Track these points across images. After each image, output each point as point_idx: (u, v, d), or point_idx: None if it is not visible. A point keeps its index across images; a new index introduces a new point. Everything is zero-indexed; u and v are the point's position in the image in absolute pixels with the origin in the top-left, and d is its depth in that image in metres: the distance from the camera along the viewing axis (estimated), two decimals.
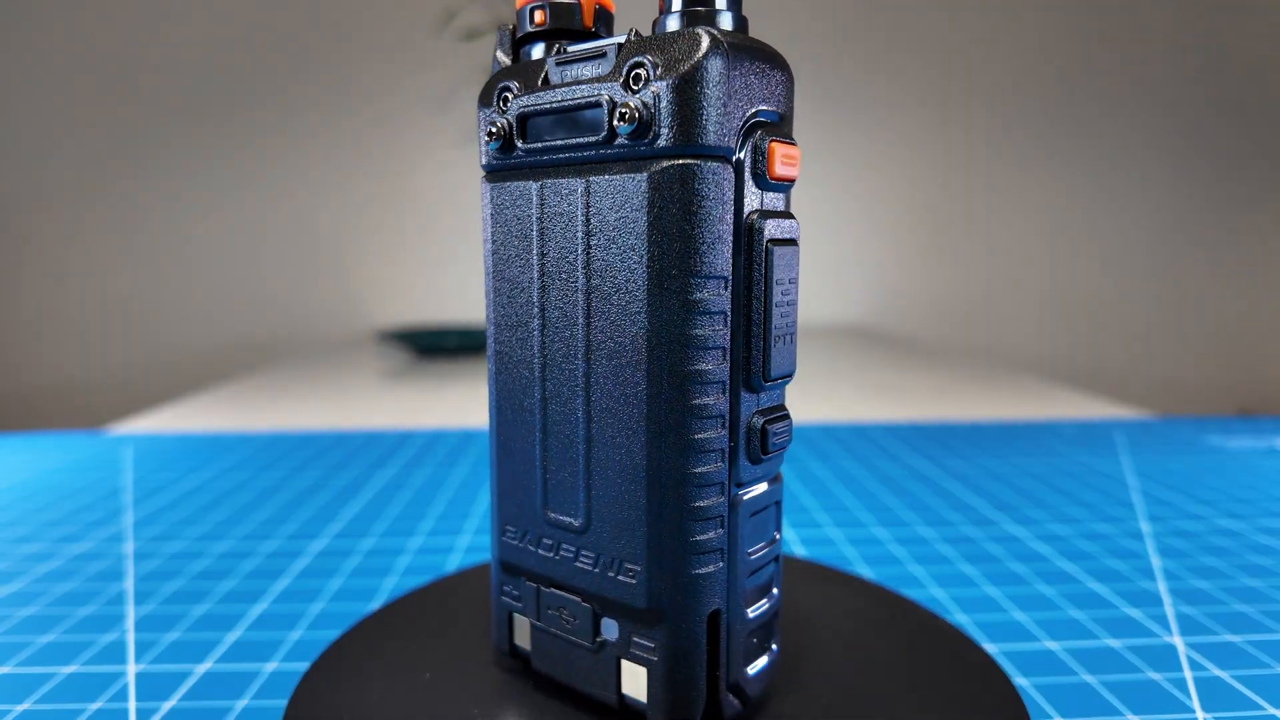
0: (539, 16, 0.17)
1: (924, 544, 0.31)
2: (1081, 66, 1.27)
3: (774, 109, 0.15)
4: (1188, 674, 0.21)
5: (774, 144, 0.15)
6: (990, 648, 0.22)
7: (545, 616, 0.18)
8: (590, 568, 0.17)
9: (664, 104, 0.14)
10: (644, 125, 0.15)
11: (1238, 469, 0.41)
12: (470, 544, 0.31)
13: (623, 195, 0.15)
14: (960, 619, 0.24)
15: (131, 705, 0.20)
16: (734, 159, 0.15)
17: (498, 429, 0.18)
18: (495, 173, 0.18)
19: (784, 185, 0.16)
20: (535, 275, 0.17)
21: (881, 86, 1.25)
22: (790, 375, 0.16)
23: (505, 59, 0.18)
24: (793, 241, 0.16)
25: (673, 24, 0.15)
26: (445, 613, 0.23)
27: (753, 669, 0.17)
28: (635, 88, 0.15)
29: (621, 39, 0.15)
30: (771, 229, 0.15)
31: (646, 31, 0.16)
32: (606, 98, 0.15)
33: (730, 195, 0.15)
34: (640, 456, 0.15)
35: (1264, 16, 1.28)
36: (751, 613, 0.17)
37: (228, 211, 1.23)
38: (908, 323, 1.30)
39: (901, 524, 0.33)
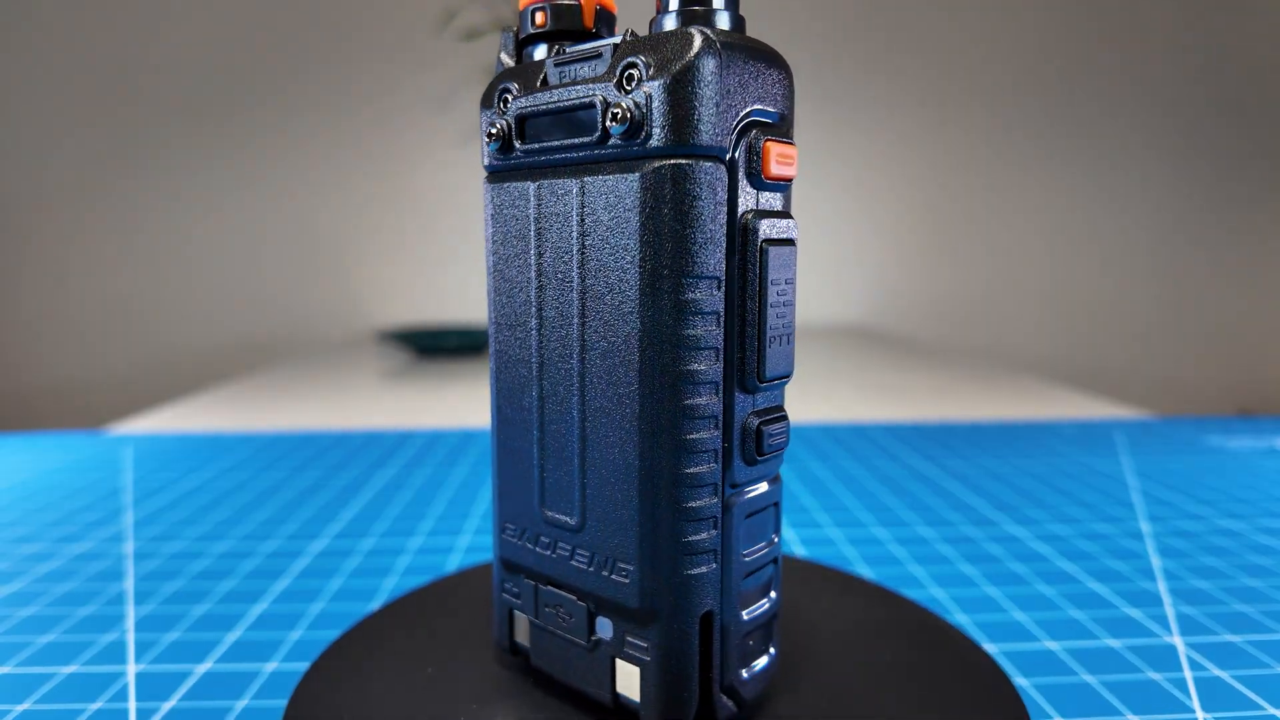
0: (540, 18, 0.17)
1: (924, 544, 0.31)
2: (1081, 66, 1.27)
3: (771, 108, 0.15)
4: (1188, 674, 0.21)
5: (769, 143, 0.15)
6: (990, 648, 0.22)
7: (543, 614, 0.18)
8: (585, 566, 0.17)
9: (656, 104, 0.14)
10: (636, 125, 0.15)
11: (1238, 469, 0.41)
12: (470, 544, 0.31)
13: (615, 195, 0.15)
14: (960, 619, 0.24)
15: (131, 705, 0.20)
16: (727, 159, 0.15)
17: (498, 427, 0.19)
18: (496, 173, 0.18)
19: (780, 185, 0.16)
20: (533, 275, 0.17)
21: (881, 86, 1.25)
22: (787, 376, 0.16)
23: (509, 60, 0.18)
24: (790, 241, 0.16)
25: (669, 23, 0.15)
26: (445, 612, 0.23)
27: (748, 671, 0.17)
28: (628, 88, 0.15)
29: (617, 39, 0.15)
30: (767, 229, 0.15)
31: (645, 32, 0.16)
32: (600, 98, 0.15)
33: (723, 195, 0.15)
34: (633, 456, 0.15)
35: (1264, 16, 1.28)
36: (747, 615, 0.17)
37: (228, 211, 1.23)
38: (908, 323, 1.30)
39: (901, 524, 0.33)
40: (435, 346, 0.87)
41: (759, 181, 0.15)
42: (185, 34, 1.19)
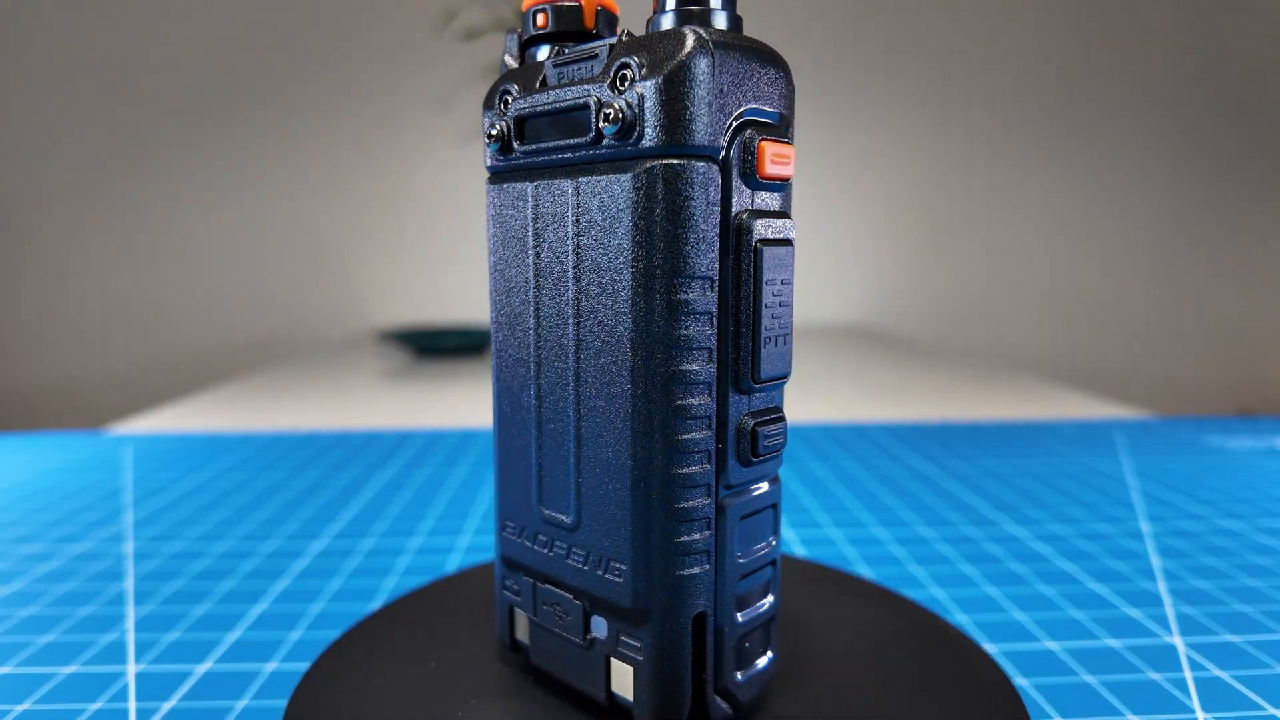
0: (541, 19, 0.17)
1: (924, 544, 0.31)
2: (1081, 66, 1.27)
3: (767, 107, 0.15)
4: (1188, 674, 0.21)
5: (764, 143, 0.15)
6: (990, 648, 0.22)
7: (541, 612, 0.18)
8: (581, 565, 0.17)
9: (648, 104, 0.14)
10: (628, 125, 0.14)
11: (1238, 469, 0.41)
12: (470, 544, 0.31)
13: (609, 196, 0.15)
14: (960, 619, 0.24)
15: (131, 705, 0.20)
16: (721, 158, 0.15)
17: (499, 425, 0.19)
18: (497, 174, 0.18)
19: (777, 185, 0.16)
20: (531, 275, 0.17)
21: (881, 86, 1.25)
22: (784, 377, 0.16)
23: (513, 62, 0.18)
24: (786, 242, 0.16)
25: (666, 23, 0.15)
26: (445, 612, 0.23)
27: (744, 673, 0.17)
28: (621, 88, 0.15)
29: (614, 40, 0.15)
30: (762, 229, 0.15)
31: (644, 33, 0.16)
32: (594, 99, 0.15)
33: (716, 195, 0.15)
34: (625, 456, 0.15)
35: (1264, 16, 1.28)
36: (742, 617, 0.16)
37: (228, 211, 1.23)
38: (908, 323, 1.30)
39: (901, 524, 0.33)
40: (435, 346, 0.87)
41: (754, 181, 0.15)
42: (185, 34, 1.19)
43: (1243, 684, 0.21)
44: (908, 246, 1.29)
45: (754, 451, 0.16)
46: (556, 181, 0.16)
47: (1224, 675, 0.21)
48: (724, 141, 0.15)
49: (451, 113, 1.21)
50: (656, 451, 0.15)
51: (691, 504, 0.15)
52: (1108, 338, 1.33)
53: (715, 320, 0.15)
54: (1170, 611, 0.25)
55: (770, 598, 0.17)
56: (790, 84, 0.16)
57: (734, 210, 0.15)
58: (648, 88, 0.14)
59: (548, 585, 0.18)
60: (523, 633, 0.19)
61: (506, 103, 0.17)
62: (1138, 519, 0.34)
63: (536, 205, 0.17)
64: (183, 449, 0.46)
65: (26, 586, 0.27)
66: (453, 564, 0.29)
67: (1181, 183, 1.31)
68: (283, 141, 1.22)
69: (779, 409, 0.17)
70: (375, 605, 0.25)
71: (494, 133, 0.17)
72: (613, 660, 0.17)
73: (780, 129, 0.16)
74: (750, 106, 0.15)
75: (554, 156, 0.16)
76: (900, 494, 0.37)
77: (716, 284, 0.15)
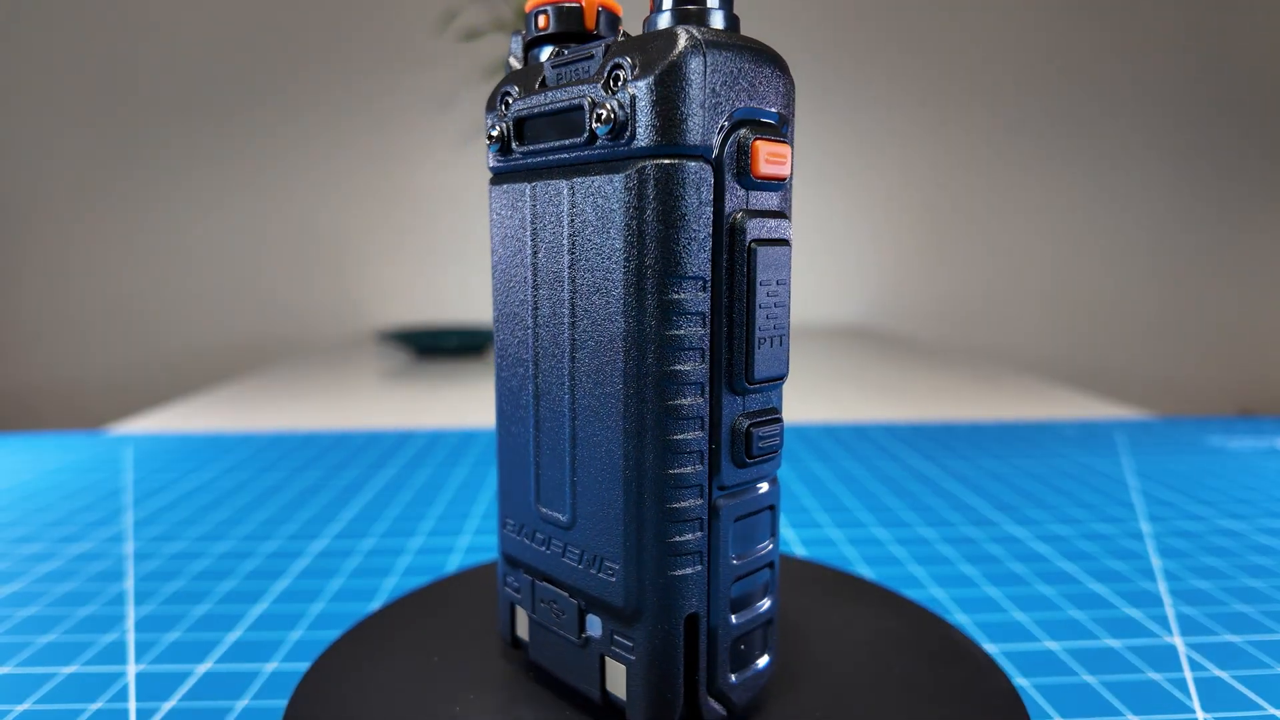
0: (543, 21, 0.17)
1: (924, 544, 0.31)
2: (1081, 66, 1.27)
3: (763, 107, 0.15)
4: (1188, 674, 0.21)
5: (758, 142, 0.15)
6: (990, 648, 0.22)
7: (539, 609, 0.18)
8: (576, 564, 0.17)
9: (641, 104, 0.14)
10: (621, 126, 0.14)
11: (1238, 469, 0.41)
12: (470, 544, 0.31)
13: (602, 196, 0.15)
14: (960, 619, 0.24)
15: (131, 705, 0.20)
16: (714, 158, 0.15)
17: (500, 424, 0.19)
18: (498, 175, 0.18)
19: (772, 184, 0.15)
20: (529, 275, 0.17)
21: (881, 86, 1.25)
22: (780, 378, 0.16)
23: (517, 64, 0.18)
24: (782, 242, 0.16)
25: (663, 23, 0.15)
26: (446, 612, 0.23)
27: (739, 675, 0.17)
28: (614, 89, 0.15)
29: (611, 40, 0.15)
30: (756, 229, 0.15)
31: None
32: (588, 99, 0.15)
33: (709, 195, 0.15)
34: (618, 456, 0.15)
35: (1264, 16, 1.28)
36: (737, 619, 0.16)
37: (228, 211, 1.23)
38: (908, 323, 1.30)
39: (902, 524, 0.33)
40: (435, 347, 0.87)
41: (748, 181, 0.15)
42: (185, 34, 1.19)
43: (1243, 684, 0.21)
44: (908, 246, 1.29)
45: (748, 452, 0.16)
46: (553, 182, 0.16)
47: (1224, 675, 0.21)
48: (717, 141, 0.15)
49: (451, 113, 1.21)
50: (648, 451, 0.15)
51: (684, 504, 0.15)
52: (1108, 338, 1.33)
53: (708, 320, 0.15)
54: (1170, 612, 0.25)
55: (768, 600, 0.17)
56: (789, 84, 0.16)
57: (728, 210, 0.15)
58: (640, 88, 0.14)
59: (545, 583, 0.18)
60: (523, 630, 0.19)
61: (507, 104, 0.17)
62: (1138, 519, 0.34)
63: (534, 206, 0.17)
64: (183, 449, 0.46)
65: (27, 586, 0.27)
66: (453, 564, 0.29)
67: (1182, 183, 1.31)
68: (283, 141, 1.22)
69: (776, 410, 0.16)
70: (375, 605, 0.25)
71: (495, 134, 0.18)
72: (607, 659, 0.17)
73: (777, 129, 0.15)
74: (745, 106, 0.15)
75: (551, 157, 0.16)
76: (901, 494, 0.37)
77: (709, 284, 0.15)
